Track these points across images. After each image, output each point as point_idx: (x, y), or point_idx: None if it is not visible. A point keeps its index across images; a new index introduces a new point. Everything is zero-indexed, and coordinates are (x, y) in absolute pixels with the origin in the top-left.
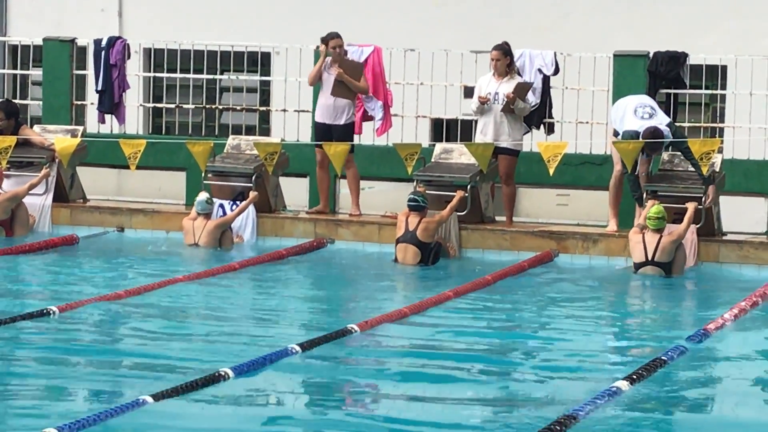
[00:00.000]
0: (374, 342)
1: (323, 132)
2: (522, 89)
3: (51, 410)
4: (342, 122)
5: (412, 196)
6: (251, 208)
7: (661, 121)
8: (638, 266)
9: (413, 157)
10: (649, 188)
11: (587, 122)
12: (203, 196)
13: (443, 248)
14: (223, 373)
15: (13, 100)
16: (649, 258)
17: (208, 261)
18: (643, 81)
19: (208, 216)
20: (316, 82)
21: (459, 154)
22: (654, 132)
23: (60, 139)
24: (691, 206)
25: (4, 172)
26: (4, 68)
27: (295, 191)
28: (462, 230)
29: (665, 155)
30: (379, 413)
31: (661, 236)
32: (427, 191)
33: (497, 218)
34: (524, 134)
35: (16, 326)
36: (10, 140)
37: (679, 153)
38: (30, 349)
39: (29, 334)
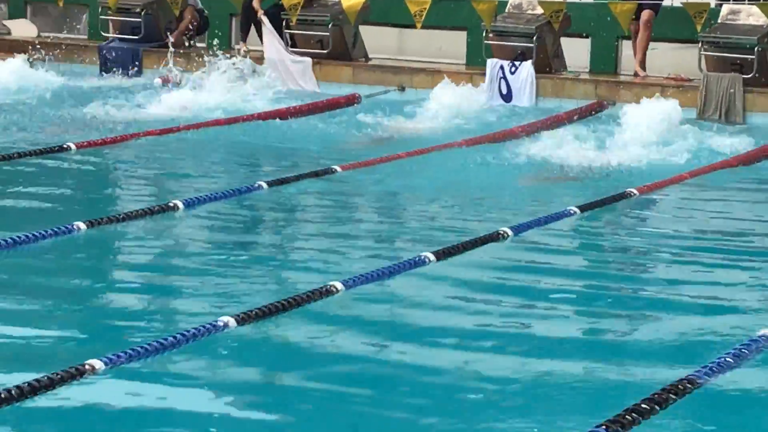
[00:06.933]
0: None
1: None
2: None
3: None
4: None
5: None
6: (530, 70)
7: None
8: None
9: (702, 15)
10: None
11: None
12: None
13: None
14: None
15: None
16: None
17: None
18: None
19: None
20: None
21: (747, 15)
22: None
23: None
24: None
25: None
26: None
27: (575, 52)
28: (747, 93)
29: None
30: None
31: None
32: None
33: None
34: None
35: (300, 184)
36: None
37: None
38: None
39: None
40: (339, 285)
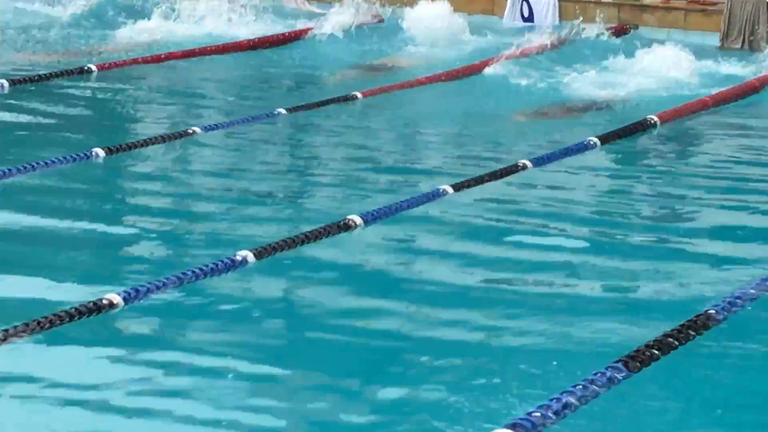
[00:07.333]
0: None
1: None
2: None
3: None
4: None
5: None
6: None
7: None
8: None
9: None
10: None
11: None
12: None
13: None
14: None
15: None
16: None
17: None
18: None
19: None
20: None
21: None
22: None
23: None
24: None
25: None
26: None
27: None
28: None
29: None
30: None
31: None
32: None
33: None
34: None
35: (319, 110)
36: None
37: None
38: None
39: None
40: (357, 219)
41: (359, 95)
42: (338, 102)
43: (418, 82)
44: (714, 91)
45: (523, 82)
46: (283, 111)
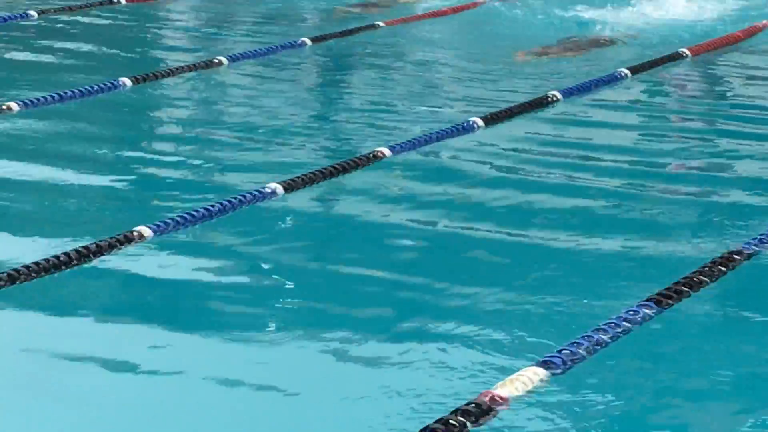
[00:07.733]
0: None
1: None
2: None
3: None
4: None
5: None
6: None
7: None
8: None
9: None
10: None
11: None
12: None
13: None
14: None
15: None
16: None
17: None
18: None
19: None
20: None
21: None
22: None
23: None
24: None
25: None
26: None
27: None
28: None
29: None
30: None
31: None
32: None
33: None
34: None
35: (343, 40)
36: None
37: None
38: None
39: None
40: (386, 150)
41: (382, 24)
42: (361, 31)
43: (441, 12)
44: (746, 23)
45: (544, 16)
46: (307, 41)
